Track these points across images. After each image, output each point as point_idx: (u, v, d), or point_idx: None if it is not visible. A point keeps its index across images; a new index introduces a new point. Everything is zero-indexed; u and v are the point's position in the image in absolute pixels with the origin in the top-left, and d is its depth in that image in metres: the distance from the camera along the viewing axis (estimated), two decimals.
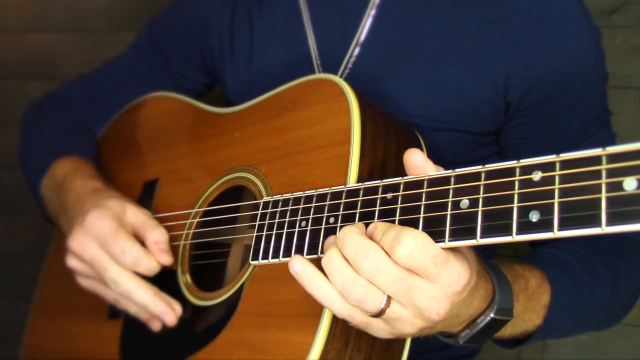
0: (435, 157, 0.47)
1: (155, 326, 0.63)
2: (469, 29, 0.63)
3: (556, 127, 0.64)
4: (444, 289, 0.42)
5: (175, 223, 0.68)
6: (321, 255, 0.50)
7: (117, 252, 0.60)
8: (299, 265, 0.45)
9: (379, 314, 0.43)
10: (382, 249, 0.42)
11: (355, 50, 0.68)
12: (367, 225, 0.46)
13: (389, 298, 0.43)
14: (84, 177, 0.73)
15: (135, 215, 0.64)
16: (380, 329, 0.46)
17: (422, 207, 0.44)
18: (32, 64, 1.34)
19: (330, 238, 0.47)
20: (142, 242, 0.63)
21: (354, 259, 0.42)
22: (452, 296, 0.43)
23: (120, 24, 1.28)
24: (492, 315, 0.48)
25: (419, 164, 0.45)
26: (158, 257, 0.62)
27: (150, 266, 0.61)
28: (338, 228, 0.49)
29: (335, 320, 0.49)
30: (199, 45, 0.80)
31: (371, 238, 0.44)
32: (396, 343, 0.54)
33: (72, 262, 0.64)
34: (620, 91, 0.91)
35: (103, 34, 1.29)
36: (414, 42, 0.65)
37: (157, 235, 0.63)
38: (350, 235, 0.43)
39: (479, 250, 0.47)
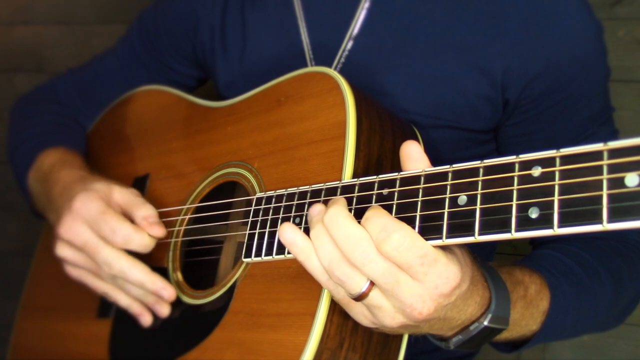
0: (433, 154, 0.46)
1: (146, 321, 0.62)
2: (466, 23, 0.62)
3: (556, 124, 0.63)
4: (430, 290, 0.41)
5: (166, 219, 0.67)
6: None
7: (107, 232, 0.59)
8: (291, 234, 0.45)
9: (359, 298, 0.43)
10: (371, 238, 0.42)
11: (348, 44, 0.67)
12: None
13: (371, 284, 0.43)
14: (70, 167, 0.72)
15: (122, 194, 0.63)
16: (361, 314, 0.46)
17: (419, 203, 0.43)
18: (20, 56, 1.33)
19: (316, 207, 0.46)
20: (132, 221, 0.62)
21: (343, 245, 0.42)
22: (439, 298, 0.42)
23: (109, 15, 1.26)
24: (485, 323, 0.47)
25: (415, 156, 0.45)
26: (150, 230, 0.60)
27: (143, 241, 0.59)
28: None
29: (330, 320, 0.48)
30: (190, 38, 0.79)
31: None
32: (392, 343, 0.53)
33: (62, 250, 0.63)
34: (622, 85, 0.90)
35: (92, 26, 1.27)
36: (410, 35, 0.64)
37: (145, 211, 0.62)
38: (341, 219, 0.42)
39: (476, 248, 0.46)
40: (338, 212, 0.43)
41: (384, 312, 0.43)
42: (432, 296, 0.42)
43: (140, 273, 0.59)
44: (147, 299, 0.61)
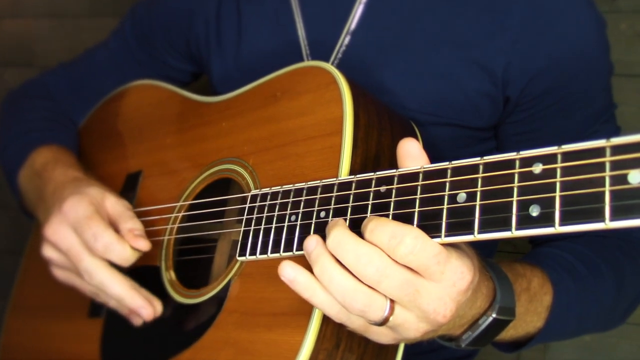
0: (432, 152, 0.45)
1: (137, 321, 0.61)
2: (466, 19, 0.61)
3: (558, 122, 0.62)
4: (449, 289, 0.41)
5: (159, 217, 0.66)
6: None
7: (89, 236, 0.57)
8: (291, 272, 0.43)
9: (382, 323, 0.42)
10: (381, 249, 0.40)
11: (345, 39, 0.66)
12: (355, 220, 0.44)
13: (392, 304, 0.41)
14: (64, 166, 0.70)
15: (113, 205, 0.62)
16: (382, 335, 0.44)
17: (417, 200, 0.42)
18: (9, 50, 1.31)
19: (311, 240, 0.43)
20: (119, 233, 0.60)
21: (355, 266, 0.40)
22: (458, 296, 0.41)
23: (100, 8, 1.25)
24: (494, 315, 0.46)
25: (413, 153, 0.44)
26: (134, 243, 0.58)
27: (124, 253, 0.58)
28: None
29: (326, 320, 0.47)
30: (184, 32, 0.78)
31: (362, 235, 0.42)
32: (390, 344, 0.52)
33: (48, 251, 0.61)
34: (624, 79, 0.89)
35: (82, 19, 1.26)
36: (408, 31, 0.63)
37: (131, 224, 0.60)
38: (346, 240, 0.41)
39: (477, 247, 0.45)
40: (341, 234, 0.41)
41: (407, 326, 0.42)
42: (451, 295, 0.41)
43: (120, 288, 0.58)
44: (125, 310, 0.60)
